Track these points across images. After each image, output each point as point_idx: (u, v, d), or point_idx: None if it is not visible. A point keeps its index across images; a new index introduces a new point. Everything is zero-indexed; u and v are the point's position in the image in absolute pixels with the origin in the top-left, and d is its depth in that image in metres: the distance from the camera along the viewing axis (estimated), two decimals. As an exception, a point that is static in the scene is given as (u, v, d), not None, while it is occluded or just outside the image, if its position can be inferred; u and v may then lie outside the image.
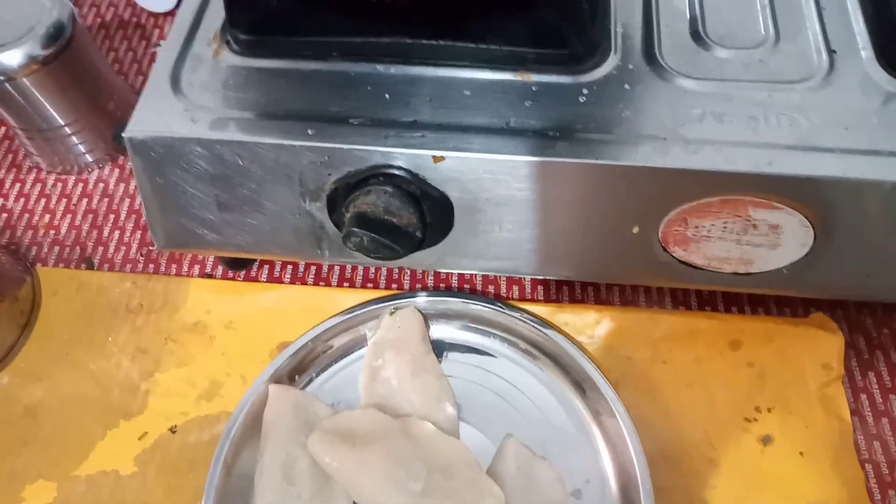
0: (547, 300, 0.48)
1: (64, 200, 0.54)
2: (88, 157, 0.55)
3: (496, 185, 0.39)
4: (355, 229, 0.38)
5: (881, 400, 0.44)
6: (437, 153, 0.38)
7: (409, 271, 0.50)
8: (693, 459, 0.41)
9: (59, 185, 0.55)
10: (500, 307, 0.45)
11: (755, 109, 0.39)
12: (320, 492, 0.39)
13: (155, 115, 0.40)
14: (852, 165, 0.37)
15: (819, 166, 0.37)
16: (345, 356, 0.45)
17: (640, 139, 0.38)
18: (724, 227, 0.39)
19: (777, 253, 0.40)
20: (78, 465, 0.43)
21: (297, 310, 0.48)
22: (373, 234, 0.38)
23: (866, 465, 0.41)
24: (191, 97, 0.41)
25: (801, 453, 0.41)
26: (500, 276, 0.49)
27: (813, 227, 0.38)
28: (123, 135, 0.40)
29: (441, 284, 0.49)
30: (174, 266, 0.51)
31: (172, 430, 0.44)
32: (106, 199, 0.54)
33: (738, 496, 0.40)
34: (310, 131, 0.39)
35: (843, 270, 0.40)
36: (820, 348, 0.44)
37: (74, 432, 0.44)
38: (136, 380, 0.46)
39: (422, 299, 0.46)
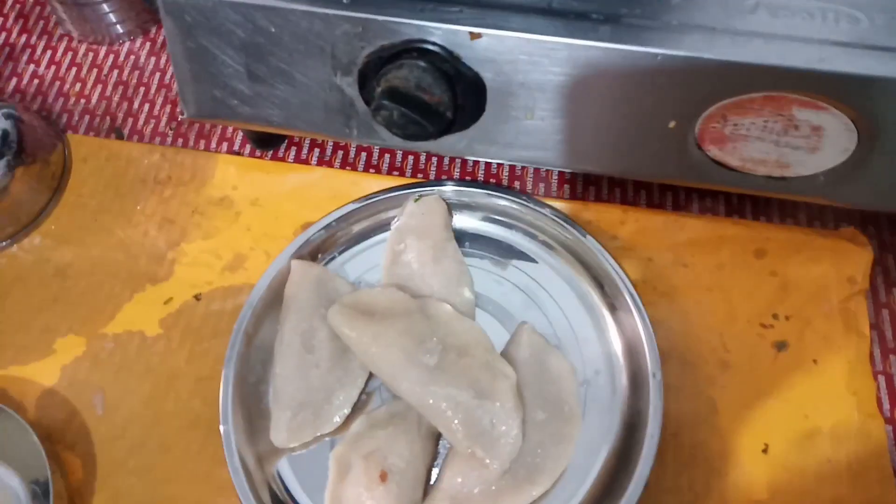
0: (573, 198, 0.48)
1: (95, 70, 0.54)
2: (119, 28, 0.55)
3: (532, 69, 0.38)
4: (386, 102, 0.37)
5: (903, 317, 0.43)
6: (474, 30, 0.37)
7: (435, 161, 0.50)
8: (706, 361, 0.42)
9: (91, 54, 0.55)
10: (525, 200, 0.44)
11: (812, 4, 0.37)
12: (338, 362, 0.40)
13: (188, -25, 0.39)
14: (907, 67, 0.35)
15: (874, 66, 0.35)
16: (367, 238, 0.46)
17: (688, 28, 0.36)
18: (765, 127, 0.38)
19: (816, 157, 0.39)
20: (106, 323, 0.45)
21: (322, 191, 0.48)
22: (403, 109, 0.37)
23: (879, 377, 0.41)
24: (225, -42, 0.40)
25: (814, 361, 0.41)
26: (526, 172, 0.49)
27: (858, 132, 0.37)
28: (155, -6, 0.39)
29: (467, 177, 0.49)
30: (202, 141, 0.51)
31: (197, 298, 0.45)
32: (137, 72, 0.54)
33: (747, 398, 0.41)
34: (345, 0, 0.38)
35: (883, 181, 0.39)
36: (847, 262, 0.43)
37: (103, 293, 0.46)
38: (163, 248, 0.47)
39: (447, 188, 0.45)
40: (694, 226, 0.45)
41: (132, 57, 0.55)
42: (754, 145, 0.39)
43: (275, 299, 0.43)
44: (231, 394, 0.40)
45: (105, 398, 0.42)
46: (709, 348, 0.42)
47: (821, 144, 0.38)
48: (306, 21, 0.38)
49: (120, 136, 0.51)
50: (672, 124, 0.39)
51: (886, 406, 0.41)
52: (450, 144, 0.43)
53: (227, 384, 0.40)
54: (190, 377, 0.43)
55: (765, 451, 0.39)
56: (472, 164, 0.50)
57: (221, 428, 0.38)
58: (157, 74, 0.54)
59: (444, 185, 0.46)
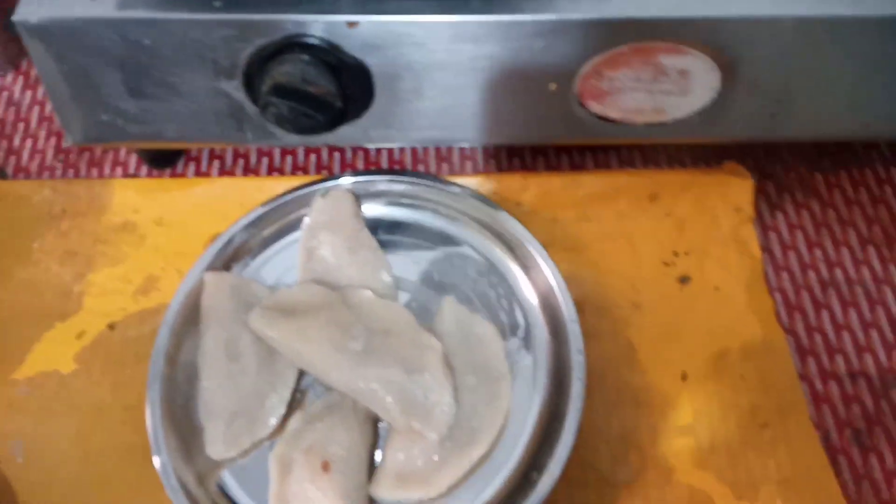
0: (475, 172, 0.49)
1: (-34, 112, 0.52)
2: (-14, 66, 0.52)
3: (413, 50, 0.39)
4: (272, 99, 0.37)
5: (788, 235, 0.47)
6: (351, 18, 0.38)
7: (338, 156, 0.50)
8: (619, 305, 0.44)
9: (-41, 97, 0.53)
10: (430, 181, 0.45)
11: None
12: (265, 365, 0.40)
13: (49, -4, 0.38)
14: (755, 4, 0.38)
15: (722, 7, 0.38)
16: (279, 240, 0.45)
17: (551, -9, 0.38)
18: (637, 77, 0.40)
19: (688, 100, 0.42)
20: (15, 368, 0.43)
21: (228, 202, 0.47)
22: (291, 103, 0.37)
23: (775, 293, 0.45)
24: (85, -26, 0.39)
25: (716, 288, 0.44)
26: (428, 154, 0.50)
27: (720, 70, 0.40)
28: (14, 20, 0.38)
29: (371, 167, 0.50)
30: (95, 170, 0.50)
31: (111, 327, 0.44)
32: (13, 108, 0.52)
33: (661, 333, 0.43)
34: (216, 3, 0.38)
35: (751, 112, 0.42)
36: (732, 193, 0.47)
37: (9, 338, 0.43)
38: (69, 282, 0.45)
39: (351, 180, 0.46)
40: (591, 182, 0.48)
41: (5, 93, 0.52)
42: (630, 96, 0.41)
43: (193, 316, 0.42)
44: (160, 417, 0.38)
45: (25, 445, 0.41)
46: (619, 292, 0.44)
47: (690, 87, 0.41)
48: (181, 30, 0.38)
49: (3, 176, 0.49)
50: (553, 86, 0.41)
51: (785, 319, 0.44)
52: (346, 135, 0.43)
53: (153, 408, 0.39)
54: (116, 408, 0.42)
55: (684, 378, 0.42)
56: (374, 153, 0.50)
57: (154, 457, 0.37)
58: (37, 108, 0.52)
59: (348, 177, 0.46)
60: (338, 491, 0.35)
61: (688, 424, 0.41)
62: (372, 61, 0.39)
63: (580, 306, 0.41)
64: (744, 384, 0.42)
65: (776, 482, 0.39)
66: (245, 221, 0.45)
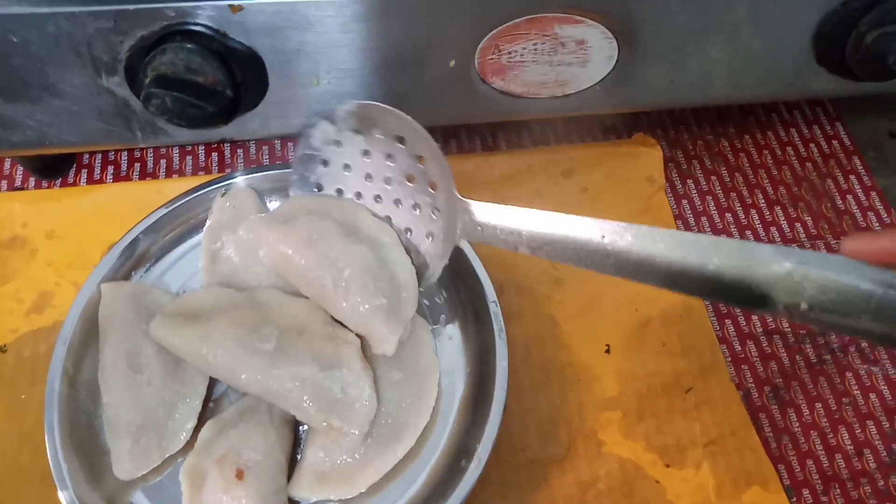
0: (386, 160, 0.48)
1: None
2: None
3: (302, 32, 0.37)
4: (154, 90, 0.35)
5: (700, 202, 0.47)
6: (234, 2, 0.36)
7: (241, 152, 0.48)
8: (540, 283, 0.44)
9: None
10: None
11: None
12: (172, 375, 0.38)
13: None
14: (642, -32, 0.38)
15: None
16: (181, 244, 0.43)
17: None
18: (535, 49, 0.40)
19: (587, 70, 0.41)
20: None
21: (124, 207, 0.45)
22: (175, 94, 0.35)
23: (690, 259, 0.45)
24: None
25: (634, 259, 0.44)
26: (337, 145, 0.49)
27: (616, 38, 0.40)
28: None
29: (277, 161, 0.48)
30: (-24, 184, 0.46)
31: (2, 350, 0.41)
32: None
33: (582, 308, 0.43)
34: (89, -7, 0.35)
35: (650, 79, 0.42)
36: (643, 164, 0.47)
37: None
38: (-48, 306, 0.42)
39: (251, 176, 0.43)
40: (504, 161, 0.47)
41: None
42: (532, 69, 0.41)
43: (92, 331, 0.39)
44: (60, 441, 0.36)
45: (-88, 485, 0.37)
46: (540, 270, 0.44)
47: (588, 57, 0.41)
48: (52, 24, 0.36)
49: None
50: (452, 63, 0.40)
51: (701, 283, 0.45)
52: (243, 126, 0.41)
53: (51, 431, 0.36)
54: (12, 433, 0.39)
55: (607, 351, 0.42)
56: (280, 146, 0.49)
57: (60, 493, 0.34)
58: None
59: (249, 173, 0.44)
60: (254, 498, 0.33)
61: (614, 396, 0.40)
62: (261, 46, 0.38)
63: (501, 287, 0.40)
64: (666, 351, 0.42)
65: (702, 445, 0.39)
66: (142, 227, 0.42)
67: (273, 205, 0.44)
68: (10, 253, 0.43)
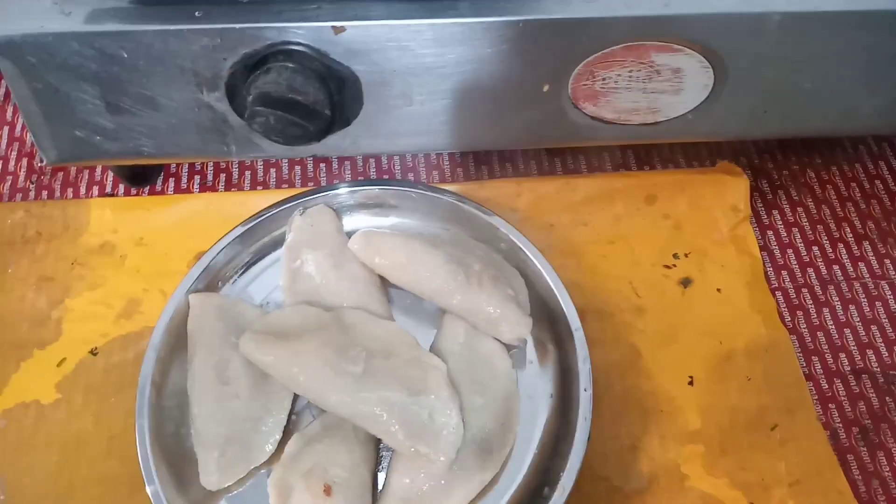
0: (467, 180, 0.48)
1: (-69, 135, 0.50)
2: (-48, 86, 0.50)
3: (402, 54, 0.38)
4: (259, 108, 0.36)
5: (785, 234, 0.47)
6: (337, 24, 0.37)
7: (323, 167, 0.49)
8: (621, 310, 0.43)
9: (-77, 119, 0.50)
10: (420, 189, 0.44)
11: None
12: (259, 388, 0.38)
13: (19, 11, 0.36)
14: (743, 0, 0.38)
15: (713, 4, 0.37)
16: (266, 257, 0.44)
17: (543, -8, 0.38)
18: (630, 76, 0.40)
19: (681, 98, 0.41)
20: (-7, 401, 0.40)
21: (210, 218, 0.46)
22: (279, 113, 0.36)
23: (776, 293, 0.44)
24: (57, -12, 0.37)
25: (718, 290, 0.44)
26: (417, 162, 0.49)
27: (712, 67, 0.39)
28: (-16, 35, 0.36)
29: (359, 177, 0.48)
30: (70, 190, 0.47)
31: (93, 353, 0.42)
32: (-20, 129, 0.50)
33: (665, 336, 0.42)
34: (197, 13, 0.36)
35: (743, 109, 0.42)
36: (728, 193, 0.46)
37: (-16, 371, 0.41)
38: (45, 309, 0.43)
39: (338, 191, 0.44)
40: (586, 185, 0.47)
41: (-27, 114, 0.50)
42: (624, 96, 0.41)
43: (179, 339, 0.40)
44: (150, 447, 0.36)
45: (5, 481, 0.38)
46: (622, 297, 0.43)
47: (683, 85, 0.41)
48: (160, 41, 0.37)
49: (-26, 200, 0.47)
50: (546, 88, 0.40)
51: (787, 318, 0.44)
52: (334, 144, 0.42)
53: (142, 437, 0.37)
54: (101, 438, 0.40)
55: (690, 383, 0.41)
56: (362, 162, 0.49)
57: (147, 487, 0.35)
58: (6, 128, 0.50)
59: (336, 188, 0.44)
60: (342, 515, 0.34)
61: (697, 429, 0.40)
62: (359, 67, 0.38)
63: (582, 313, 0.40)
64: (750, 386, 0.41)
65: (787, 484, 0.39)
66: (228, 239, 0.43)
67: (354, 219, 0.45)
68: (100, 259, 0.45)
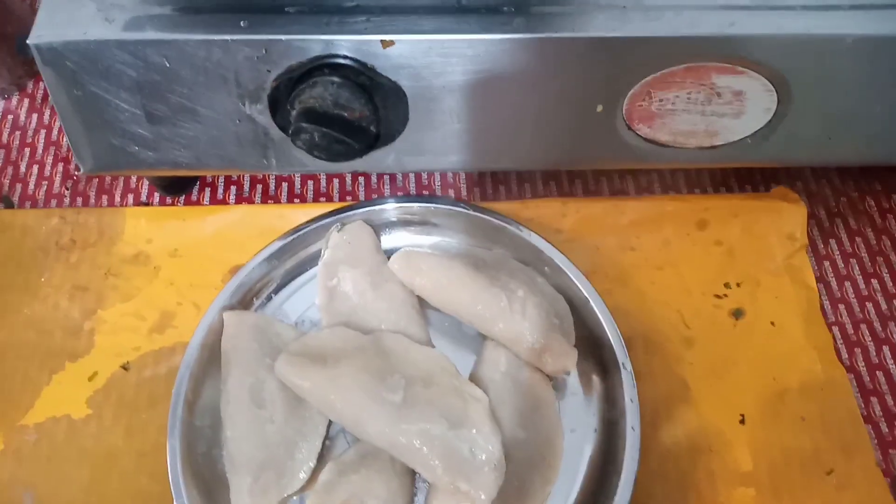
0: (509, 198, 0.46)
1: (-31, 137, 0.49)
2: (-10, 88, 0.50)
3: (451, 70, 0.36)
4: (304, 125, 0.34)
5: (843, 265, 0.44)
6: (386, 37, 0.35)
7: (362, 180, 0.48)
8: (670, 340, 0.41)
9: (-39, 120, 0.50)
10: (462, 207, 0.43)
11: (713, -28, 0.38)
12: (293, 412, 0.37)
13: (63, 18, 0.36)
14: (813, 21, 0.36)
15: (780, 24, 0.36)
16: (303, 273, 0.43)
17: (599, 9, 0.36)
18: (689, 98, 0.38)
19: (741, 121, 0.39)
20: (24, 413, 0.40)
21: (246, 231, 0.45)
22: (324, 129, 0.35)
23: (833, 327, 0.42)
24: (101, -6, 0.36)
25: (771, 323, 0.42)
26: (459, 179, 0.47)
27: (776, 91, 0.37)
28: (29, 42, 0.35)
29: (398, 192, 0.47)
30: (105, 197, 0.47)
31: (125, 367, 0.41)
32: (18, 133, 0.49)
33: (716, 371, 0.40)
34: (242, 23, 0.35)
35: (807, 135, 0.40)
36: (783, 220, 0.44)
37: (15, 381, 0.41)
38: (78, 319, 0.42)
39: (379, 207, 0.43)
40: (634, 207, 0.45)
41: (10, 117, 0.50)
42: (682, 118, 0.39)
43: (212, 357, 0.39)
44: (181, 466, 0.36)
45: (36, 495, 0.38)
46: (670, 327, 0.42)
47: (744, 108, 0.39)
48: (203, 51, 0.36)
49: (9, 205, 0.46)
50: (600, 108, 0.38)
51: (845, 355, 0.42)
52: (378, 161, 0.40)
53: (174, 456, 0.36)
54: (131, 455, 0.39)
55: (742, 421, 0.39)
56: (401, 177, 0.48)
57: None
58: (43, 132, 0.49)
59: (375, 204, 0.43)
60: (377, 549, 0.32)
61: (748, 471, 0.38)
62: (406, 82, 0.37)
63: (628, 341, 0.38)
64: (805, 426, 0.39)
65: (844, 533, 0.37)
66: (265, 254, 0.42)
67: (394, 237, 0.44)
68: (134, 269, 0.44)
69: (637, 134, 0.39)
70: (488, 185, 0.47)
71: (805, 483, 0.38)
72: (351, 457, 0.36)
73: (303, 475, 0.36)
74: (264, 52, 0.35)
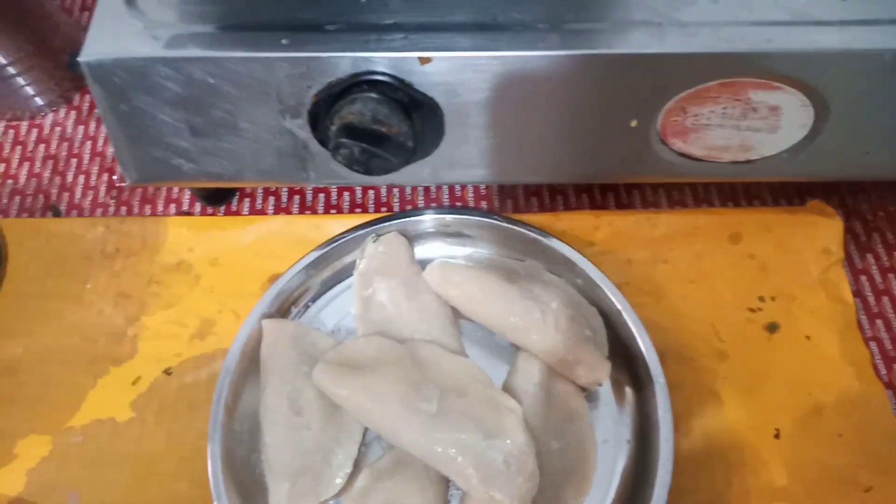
0: (541, 210, 0.47)
1: (19, 148, 0.51)
2: (39, 100, 0.51)
3: (486, 86, 0.37)
4: (344, 140, 0.35)
5: (881, 279, 0.44)
6: (424, 54, 0.36)
7: (397, 192, 0.49)
8: (703, 354, 0.41)
9: (11, 131, 0.51)
10: (495, 219, 0.43)
11: (749, -12, 0.38)
12: (330, 420, 0.38)
13: (112, 36, 0.37)
14: (852, 36, 0.35)
15: (818, 40, 0.36)
16: (339, 282, 0.44)
17: (635, 25, 0.36)
18: (724, 113, 0.38)
19: (777, 137, 0.39)
20: (71, 416, 0.41)
21: (284, 240, 0.46)
22: (363, 145, 0.35)
23: (871, 343, 0.42)
24: (149, 14, 0.37)
25: (807, 338, 0.41)
26: (492, 191, 0.48)
27: (813, 106, 0.37)
28: (79, 59, 0.37)
29: (432, 203, 0.48)
30: (148, 206, 0.48)
31: (167, 373, 0.42)
32: (65, 143, 0.51)
33: (750, 385, 0.40)
34: (284, 41, 0.36)
35: (844, 150, 0.39)
36: (819, 234, 0.44)
37: (62, 384, 0.42)
38: (122, 326, 0.44)
39: (412, 219, 0.44)
40: (667, 221, 0.45)
41: (58, 128, 0.51)
42: (716, 133, 0.39)
43: (251, 364, 0.40)
44: (221, 471, 0.37)
45: (81, 497, 0.39)
46: (703, 341, 0.42)
47: (780, 123, 0.39)
48: (245, 68, 0.37)
49: (57, 214, 0.48)
50: (634, 123, 0.39)
51: (883, 371, 0.41)
52: (413, 174, 0.41)
53: (215, 461, 0.37)
54: (172, 459, 0.40)
55: (776, 436, 0.39)
56: (435, 189, 0.48)
57: (215, 506, 0.35)
58: (89, 143, 0.51)
59: (410, 216, 0.44)
60: (412, 558, 0.33)
61: (783, 486, 0.38)
62: (442, 98, 0.37)
63: (661, 355, 0.38)
64: (842, 443, 0.38)
65: (881, 552, 0.36)
66: (303, 263, 0.43)
67: (427, 247, 0.45)
68: (175, 277, 0.45)
69: (671, 148, 0.39)
70: (520, 196, 0.48)
71: (842, 500, 0.37)
72: (385, 463, 0.37)
73: (339, 481, 0.37)
74: (305, 69, 0.36)
